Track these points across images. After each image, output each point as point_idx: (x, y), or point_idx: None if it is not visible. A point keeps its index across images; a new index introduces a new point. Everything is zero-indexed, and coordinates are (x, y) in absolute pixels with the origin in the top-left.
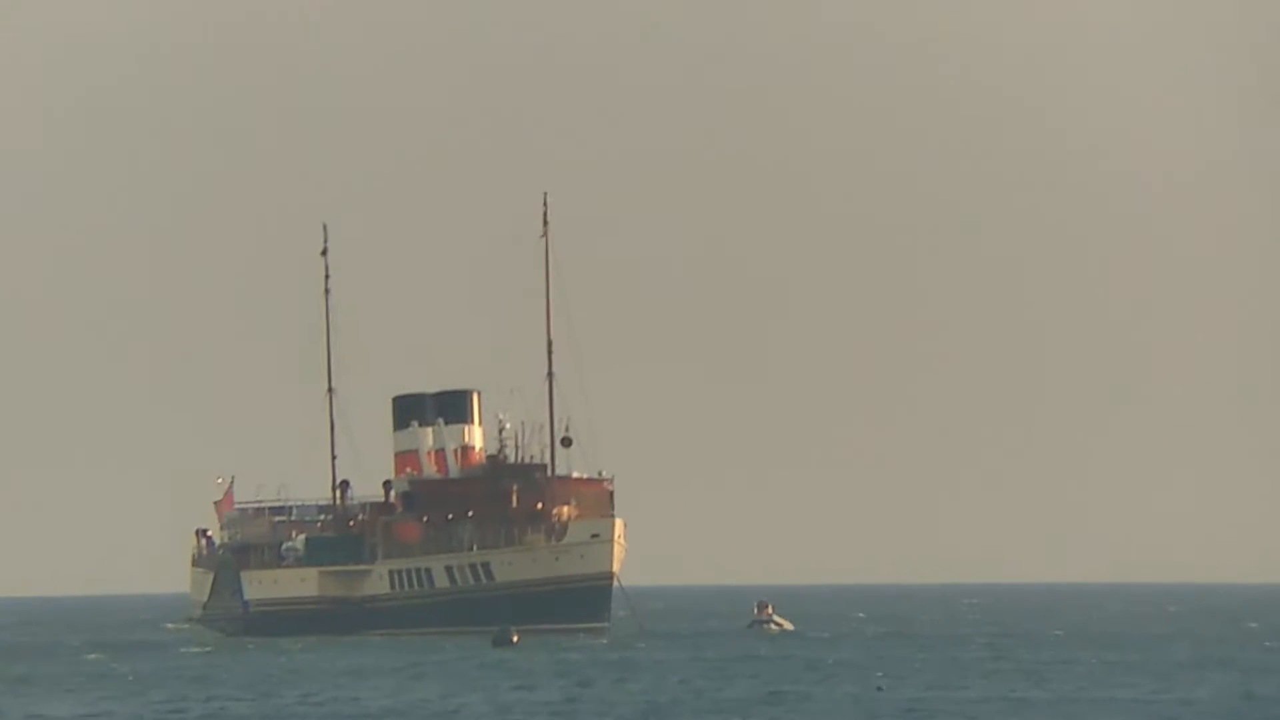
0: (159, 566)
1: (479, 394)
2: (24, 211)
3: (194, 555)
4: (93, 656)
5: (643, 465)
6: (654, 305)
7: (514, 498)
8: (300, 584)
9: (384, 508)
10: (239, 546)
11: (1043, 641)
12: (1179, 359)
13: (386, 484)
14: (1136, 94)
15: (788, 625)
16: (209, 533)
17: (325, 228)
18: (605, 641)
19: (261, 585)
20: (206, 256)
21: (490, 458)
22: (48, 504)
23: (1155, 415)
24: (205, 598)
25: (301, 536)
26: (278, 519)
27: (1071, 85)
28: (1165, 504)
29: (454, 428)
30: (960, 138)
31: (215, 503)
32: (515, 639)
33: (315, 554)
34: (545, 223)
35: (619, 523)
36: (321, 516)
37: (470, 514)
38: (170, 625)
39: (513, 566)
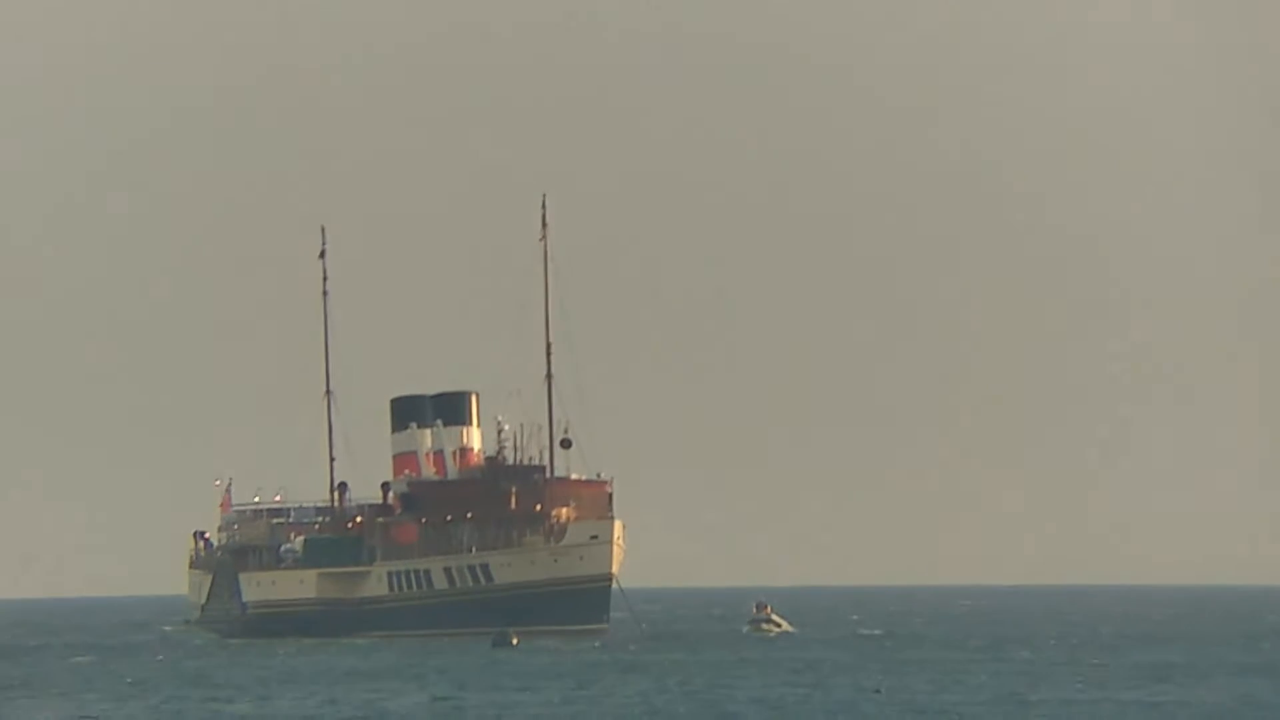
0: (157, 568)
1: (477, 396)
2: (23, 214)
3: (191, 557)
4: (80, 659)
5: (641, 467)
6: (653, 307)
7: (513, 499)
8: (299, 586)
9: (382, 509)
10: (237, 548)
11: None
12: (1181, 361)
13: (385, 486)
14: (1137, 93)
15: (787, 626)
16: (206, 535)
17: (323, 230)
18: (604, 643)
19: (260, 587)
20: (205, 258)
21: (489, 459)
22: (46, 506)
23: (1154, 418)
24: (203, 600)
25: (300, 538)
26: (276, 521)
27: (1072, 85)
28: (1164, 506)
29: (452, 429)
30: (961, 138)
31: (220, 505)
32: (515, 641)
33: (314, 556)
34: (544, 225)
35: (618, 524)
36: (319, 518)
37: (469, 516)
38: (167, 628)
39: (512, 568)
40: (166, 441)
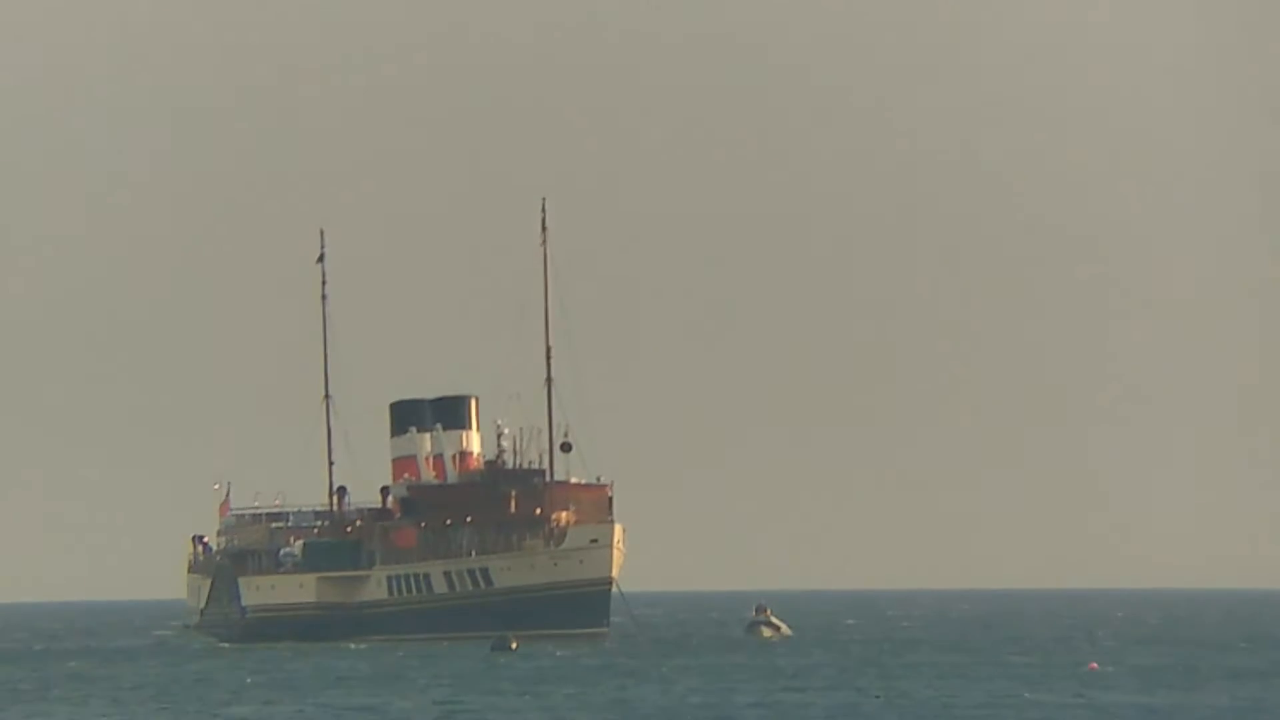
0: (154, 573)
1: (477, 399)
2: (22, 216)
3: (190, 561)
4: (77, 664)
5: (642, 471)
6: (653, 310)
7: (512, 503)
8: (298, 590)
9: (382, 513)
10: (236, 552)
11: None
12: (1179, 364)
13: (384, 490)
14: (1138, 92)
15: (786, 629)
16: (205, 539)
17: (322, 233)
18: (604, 647)
19: (259, 591)
20: (204, 261)
21: (488, 463)
22: (45, 509)
23: (1154, 417)
24: (202, 604)
25: (299, 542)
26: (275, 525)
27: (1072, 85)
28: (1164, 508)
29: (452, 433)
30: (963, 140)
31: (219, 510)
32: (514, 645)
33: (313, 560)
34: (544, 228)
35: (618, 528)
36: (318, 522)
37: (468, 519)
38: (162, 632)
39: (511, 572)
40: (165, 445)
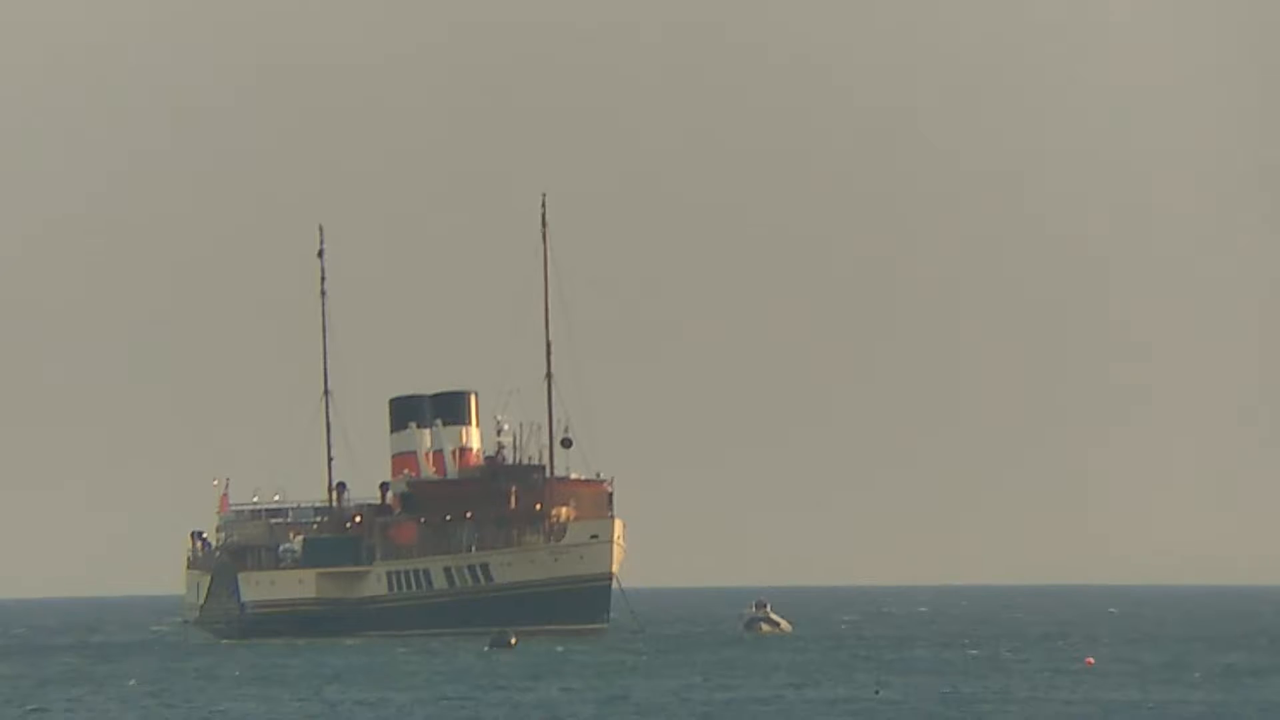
0: (153, 568)
1: (476, 395)
2: (20, 213)
3: (189, 558)
4: (69, 660)
5: (641, 467)
6: (653, 306)
7: (512, 499)
8: (298, 585)
9: (381, 509)
10: (236, 548)
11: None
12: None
13: (383, 486)
14: (1141, 91)
15: (785, 624)
16: (204, 535)
17: (321, 229)
18: (604, 642)
19: (259, 587)
20: (203, 258)
21: (488, 459)
22: (43, 506)
23: (1153, 418)
24: (201, 600)
25: (299, 538)
26: (275, 521)
27: (1072, 85)
28: (1162, 507)
29: (452, 429)
30: (964, 141)
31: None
32: (513, 641)
33: (313, 555)
34: (544, 224)
35: (618, 523)
36: (318, 518)
37: (468, 515)
38: (159, 627)
39: (511, 567)
40: (164, 441)
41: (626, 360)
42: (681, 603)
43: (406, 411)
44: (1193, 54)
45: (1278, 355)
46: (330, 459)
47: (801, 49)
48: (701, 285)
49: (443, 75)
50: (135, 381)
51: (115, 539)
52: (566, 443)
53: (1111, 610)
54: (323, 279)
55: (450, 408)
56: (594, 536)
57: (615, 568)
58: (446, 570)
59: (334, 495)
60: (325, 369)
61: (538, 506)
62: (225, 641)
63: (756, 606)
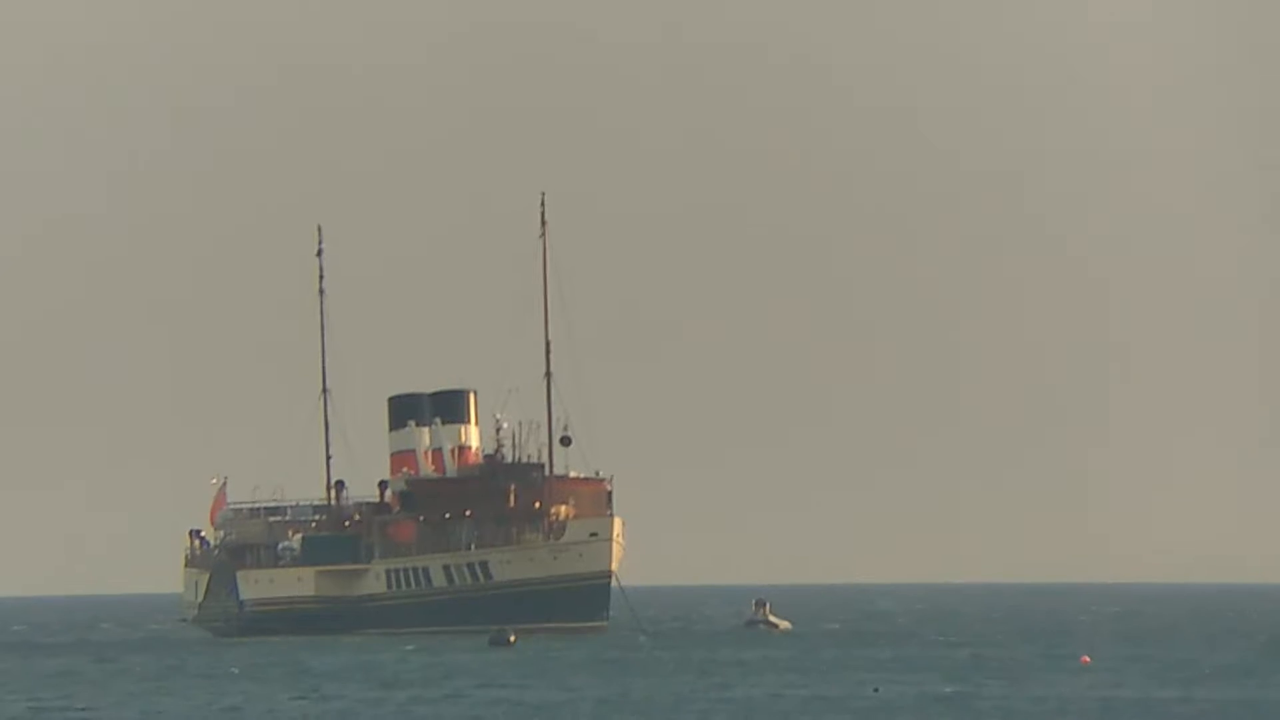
0: (150, 566)
1: (475, 394)
2: (20, 213)
3: (187, 556)
4: (67, 657)
5: (641, 465)
6: (652, 305)
7: (511, 497)
8: (297, 583)
9: (380, 507)
10: (234, 546)
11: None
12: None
13: (382, 484)
14: (1141, 91)
15: (784, 625)
16: (202, 533)
17: (320, 228)
18: (603, 641)
19: (258, 585)
20: (201, 256)
21: (487, 457)
22: (41, 503)
23: (1157, 421)
24: (199, 598)
25: (298, 536)
26: (273, 519)
27: (1072, 85)
28: (1162, 507)
29: (451, 427)
30: (964, 140)
31: (213, 503)
32: (513, 640)
33: (312, 553)
34: (543, 222)
35: (618, 521)
36: (317, 517)
37: (468, 513)
38: (155, 625)
39: (511, 566)
40: (162, 439)
41: (626, 359)
42: (681, 601)
43: (405, 410)
44: (1193, 54)
45: (1278, 355)
46: (329, 457)
47: (801, 49)
48: (701, 285)
49: (442, 74)
50: (134, 380)
51: (114, 537)
52: (566, 441)
53: (1097, 610)
54: (321, 278)
55: (449, 406)
56: (593, 535)
57: (615, 566)
58: (446, 568)
59: (333, 494)
60: (324, 367)
61: (537, 505)
62: (224, 639)
63: (756, 606)
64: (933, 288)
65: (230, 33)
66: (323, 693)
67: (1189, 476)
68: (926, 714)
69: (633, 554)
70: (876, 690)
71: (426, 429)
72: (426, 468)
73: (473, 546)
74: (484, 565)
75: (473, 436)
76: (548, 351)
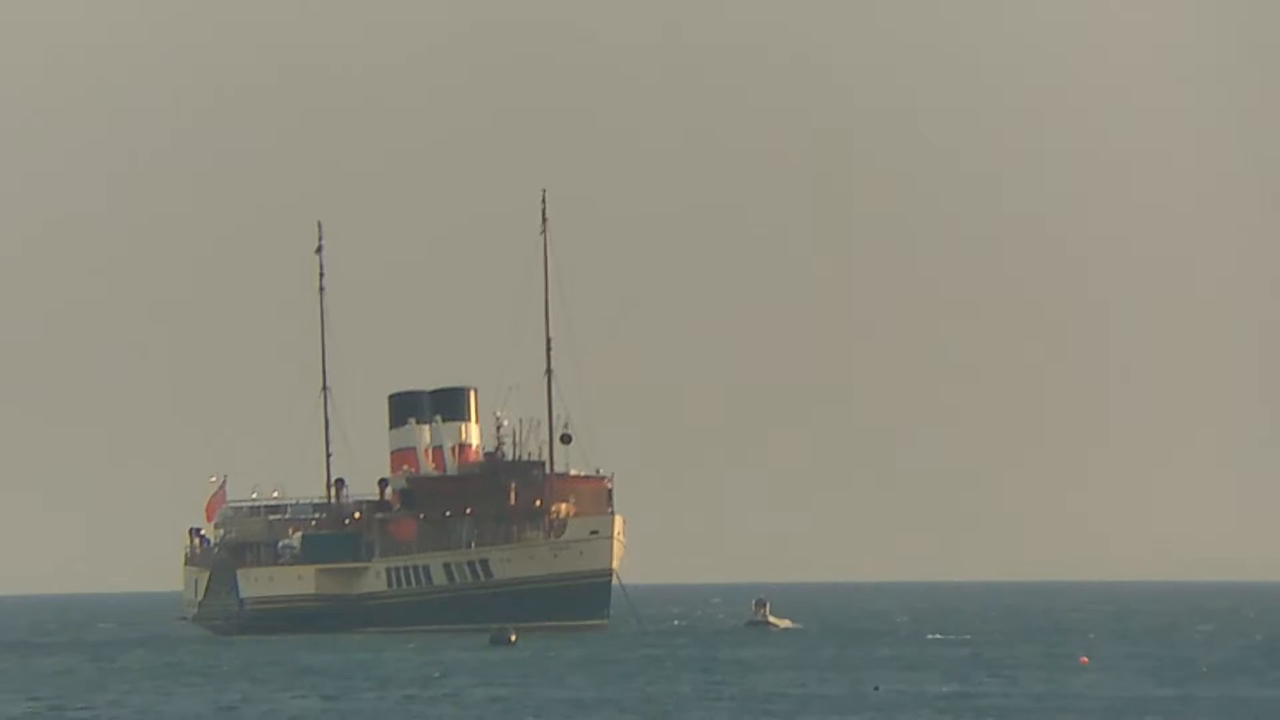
0: (149, 565)
1: (476, 391)
2: (21, 213)
3: (186, 554)
4: (59, 658)
5: (641, 463)
6: (652, 302)
7: (512, 495)
8: (297, 581)
9: (380, 505)
10: (235, 544)
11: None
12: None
13: (382, 482)
14: (1141, 91)
15: (784, 624)
16: (202, 531)
17: (320, 225)
18: (604, 639)
19: (258, 583)
20: (201, 254)
21: (488, 455)
22: (39, 500)
23: (1152, 418)
24: (198, 596)
25: (298, 534)
26: (273, 517)
27: (1071, 86)
28: (1162, 507)
29: (451, 425)
30: (964, 140)
31: (207, 504)
32: (513, 638)
33: (312, 551)
34: (544, 219)
35: (618, 519)
36: (317, 514)
37: (468, 511)
38: (152, 625)
39: (511, 564)
40: (161, 437)
41: (626, 356)
42: (681, 599)
43: (406, 407)
44: (1193, 54)
45: (1278, 355)
46: (329, 455)
47: (801, 49)
48: (701, 283)
49: (442, 74)
50: (133, 377)
51: (113, 536)
52: (566, 439)
53: (1095, 608)
54: (321, 275)
55: (449, 404)
56: (594, 532)
57: (615, 564)
58: (446, 566)
59: (333, 491)
60: (324, 365)
61: (537, 502)
62: (224, 638)
63: (756, 605)
64: (932, 287)
65: (230, 33)
66: (322, 691)
67: (1188, 476)
68: (926, 712)
69: (633, 552)
70: (877, 689)
71: (427, 427)
72: (427, 465)
73: (473, 544)
74: (484, 563)
75: (473, 434)
76: (548, 349)
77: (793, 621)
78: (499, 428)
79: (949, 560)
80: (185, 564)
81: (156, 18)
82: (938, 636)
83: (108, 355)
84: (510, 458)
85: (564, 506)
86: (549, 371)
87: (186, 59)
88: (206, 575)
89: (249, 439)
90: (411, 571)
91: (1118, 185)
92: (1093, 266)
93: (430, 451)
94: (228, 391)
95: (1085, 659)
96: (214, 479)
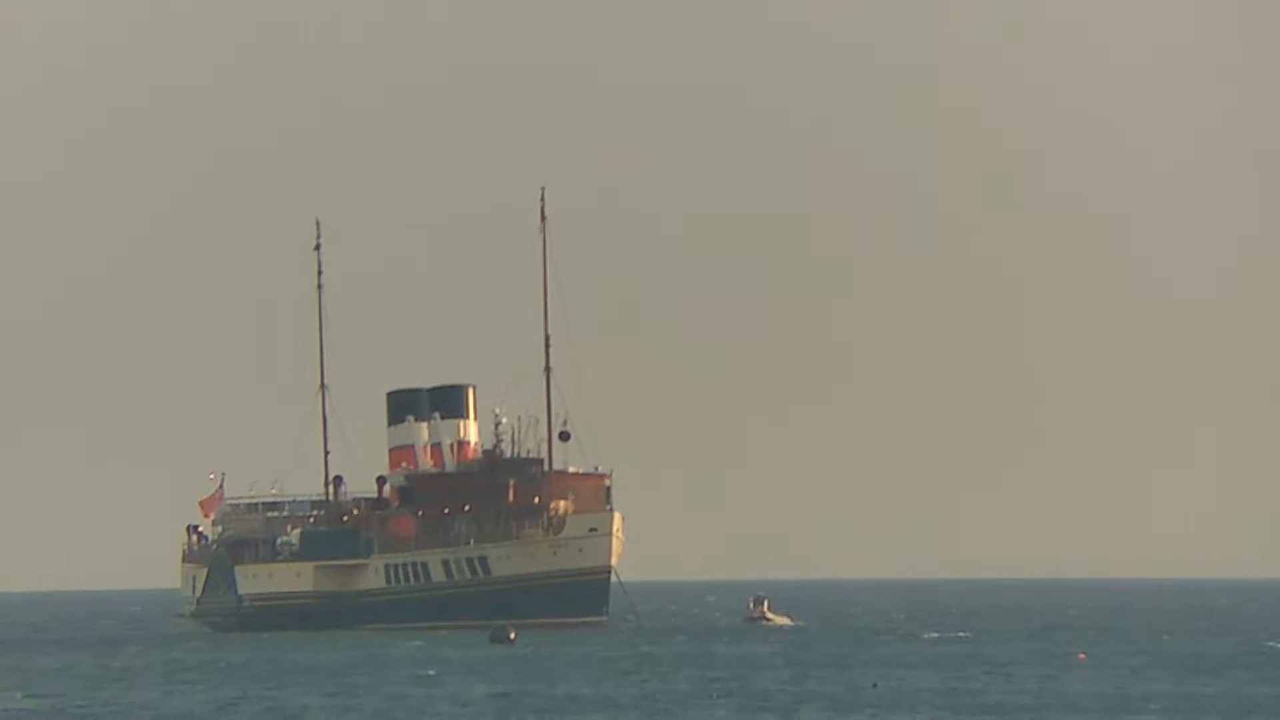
0: (149, 562)
1: (474, 389)
2: (21, 212)
3: (184, 551)
4: (59, 656)
5: (640, 460)
6: (651, 300)
7: (511, 492)
8: (295, 578)
9: (379, 502)
10: (233, 541)
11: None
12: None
13: (380, 479)
14: (1140, 91)
15: (783, 621)
16: (200, 528)
17: (318, 223)
18: (603, 636)
19: (256, 580)
20: (199, 252)
21: (486, 452)
22: (39, 499)
23: (1152, 418)
24: (196, 593)
25: (296, 531)
26: (271, 514)
27: (1071, 86)
28: (1162, 506)
29: (449, 422)
30: (965, 142)
31: (201, 501)
32: (513, 636)
33: (311, 548)
34: (543, 217)
35: (617, 516)
36: (315, 512)
37: (466, 508)
38: (151, 623)
39: (510, 561)
40: (160, 434)
41: (625, 354)
42: (680, 596)
43: (404, 405)
44: (1193, 54)
45: (1278, 355)
46: (327, 452)
47: (802, 49)
48: (700, 281)
49: (442, 72)
50: (132, 375)
51: (112, 533)
52: (564, 436)
53: (1093, 605)
54: (319, 272)
55: (448, 401)
56: (593, 530)
57: (614, 561)
58: (445, 563)
59: (331, 489)
60: (322, 362)
61: (536, 500)
62: (222, 634)
63: (755, 603)
64: (933, 287)
65: (230, 33)
66: (320, 688)
67: (1188, 476)
68: (924, 710)
69: (632, 549)
70: (875, 686)
71: (425, 424)
72: (425, 463)
73: (472, 541)
74: (483, 560)
75: (472, 431)
76: (547, 346)
77: (791, 619)
78: (497, 425)
79: (947, 558)
80: (183, 561)
81: (156, 18)
82: (935, 634)
83: (106, 353)
84: (509, 455)
85: (563, 504)
86: (548, 369)
87: (186, 59)
88: (205, 572)
89: (247, 436)
90: (410, 568)
91: (1118, 185)
92: (1093, 266)
93: (429, 449)
94: (226, 389)
95: (1083, 656)
96: (212, 476)
